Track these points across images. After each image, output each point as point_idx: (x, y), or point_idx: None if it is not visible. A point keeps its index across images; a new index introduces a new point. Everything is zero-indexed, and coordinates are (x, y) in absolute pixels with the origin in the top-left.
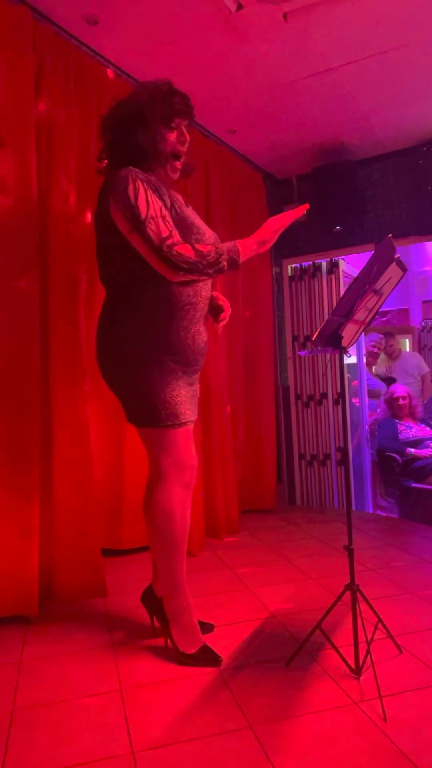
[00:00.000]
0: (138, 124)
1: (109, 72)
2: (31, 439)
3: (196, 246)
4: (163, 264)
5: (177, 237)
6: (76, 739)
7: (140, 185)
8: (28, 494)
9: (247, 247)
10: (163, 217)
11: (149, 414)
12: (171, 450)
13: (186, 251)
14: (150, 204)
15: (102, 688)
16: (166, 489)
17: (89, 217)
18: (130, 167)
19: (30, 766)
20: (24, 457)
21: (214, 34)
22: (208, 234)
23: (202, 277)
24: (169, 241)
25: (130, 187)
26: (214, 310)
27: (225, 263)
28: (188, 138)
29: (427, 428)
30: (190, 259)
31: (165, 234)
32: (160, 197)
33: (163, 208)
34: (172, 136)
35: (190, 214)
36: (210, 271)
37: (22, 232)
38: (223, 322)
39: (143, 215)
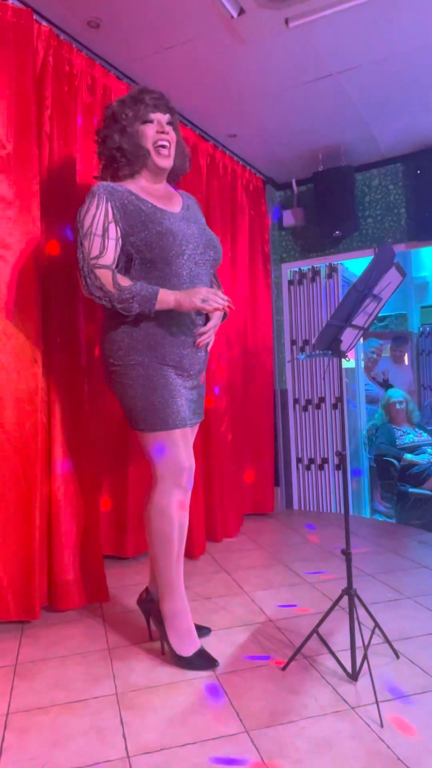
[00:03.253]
0: (114, 130)
1: (111, 76)
2: (33, 447)
3: (118, 277)
4: (80, 279)
5: (108, 260)
6: (71, 743)
7: (95, 201)
8: (29, 500)
9: (165, 300)
10: (104, 237)
11: (142, 418)
12: (165, 453)
13: (105, 278)
14: (95, 221)
15: (97, 691)
16: (162, 492)
17: None
18: (102, 183)
19: None
20: (27, 463)
21: (215, 39)
22: (189, 243)
23: (102, 303)
24: (93, 261)
25: (86, 203)
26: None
27: (136, 305)
28: (167, 129)
29: (424, 434)
30: (103, 287)
31: (95, 253)
32: (121, 212)
33: (111, 229)
34: (150, 129)
35: (176, 221)
36: (119, 307)
37: (24, 235)
38: (201, 340)
39: (83, 230)
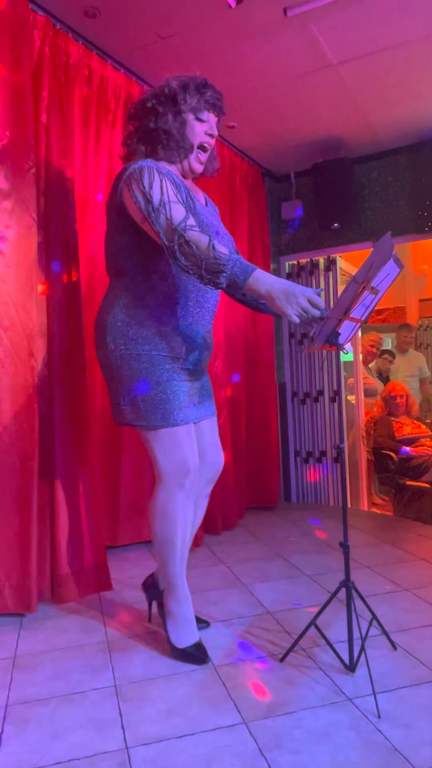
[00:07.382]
0: (169, 110)
1: (108, 66)
2: (30, 441)
3: (216, 243)
4: (168, 250)
5: (192, 221)
6: (69, 735)
7: (156, 175)
8: (26, 494)
9: (259, 281)
10: (180, 204)
11: (143, 414)
12: (168, 451)
13: (201, 241)
14: (164, 189)
15: (96, 683)
16: (165, 493)
17: (88, 207)
18: (148, 160)
19: (23, 762)
20: (24, 457)
21: (213, 29)
22: (224, 237)
23: (191, 274)
24: (182, 225)
25: (146, 176)
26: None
27: (224, 278)
28: (216, 133)
29: (423, 426)
30: (195, 253)
31: (179, 218)
32: (176, 189)
33: (178, 196)
34: (200, 127)
35: (207, 214)
36: (207, 276)
37: (21, 227)
38: None
39: (156, 203)
